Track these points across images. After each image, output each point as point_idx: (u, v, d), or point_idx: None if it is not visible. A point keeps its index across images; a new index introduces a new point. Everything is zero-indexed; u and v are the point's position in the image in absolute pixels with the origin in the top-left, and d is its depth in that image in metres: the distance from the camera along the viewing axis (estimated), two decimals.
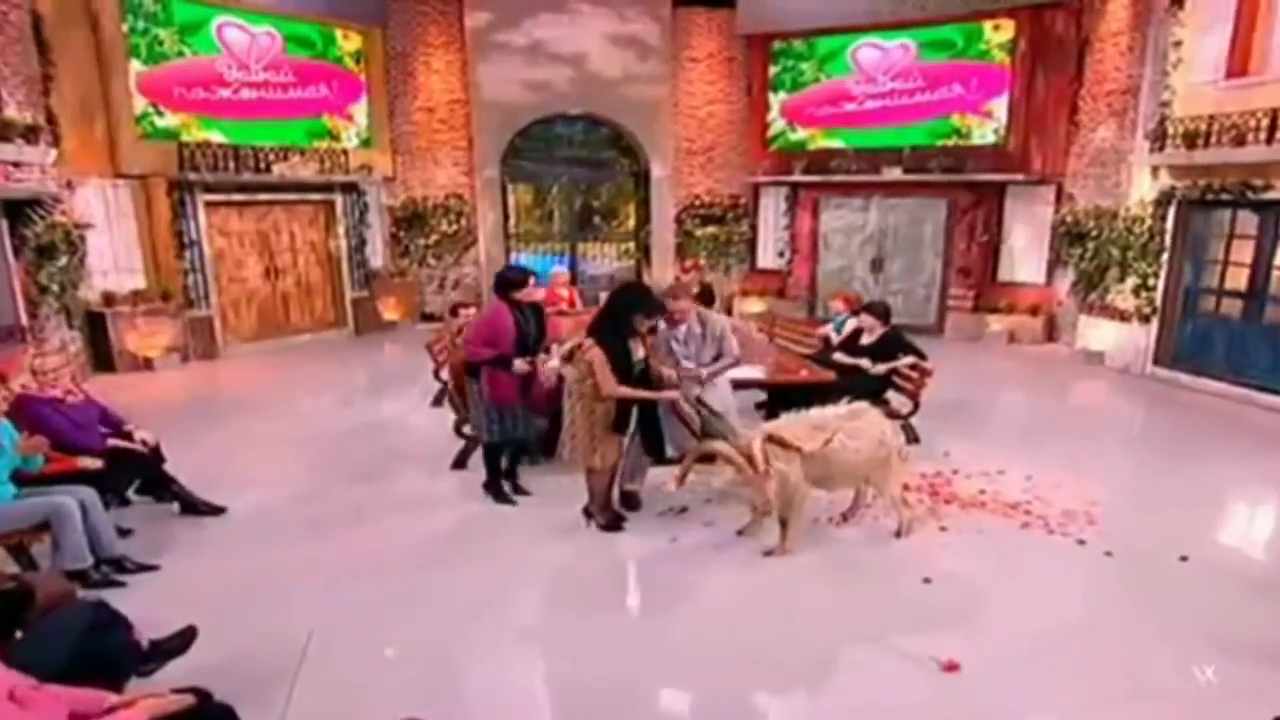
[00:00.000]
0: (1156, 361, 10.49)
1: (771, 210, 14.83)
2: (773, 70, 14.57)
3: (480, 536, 5.87)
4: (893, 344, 7.78)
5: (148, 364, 10.60)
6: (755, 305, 14.30)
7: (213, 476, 6.76)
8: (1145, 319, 10.54)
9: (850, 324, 8.38)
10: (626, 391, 5.44)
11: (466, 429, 7.06)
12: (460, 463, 7.14)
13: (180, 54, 11.41)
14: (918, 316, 13.51)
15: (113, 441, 5.94)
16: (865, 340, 7.90)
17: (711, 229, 14.83)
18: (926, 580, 5.14)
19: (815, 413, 5.60)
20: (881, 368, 7.70)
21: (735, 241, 14.97)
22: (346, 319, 13.35)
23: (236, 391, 10.17)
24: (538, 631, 4.71)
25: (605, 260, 15.83)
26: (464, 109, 14.09)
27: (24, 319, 8.53)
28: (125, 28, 10.84)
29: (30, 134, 8.19)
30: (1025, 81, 12.63)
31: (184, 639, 4.29)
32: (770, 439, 5.26)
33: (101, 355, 10.48)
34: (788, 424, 5.46)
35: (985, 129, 13.05)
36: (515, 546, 5.70)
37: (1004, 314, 12.81)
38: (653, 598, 5.15)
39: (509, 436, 6.32)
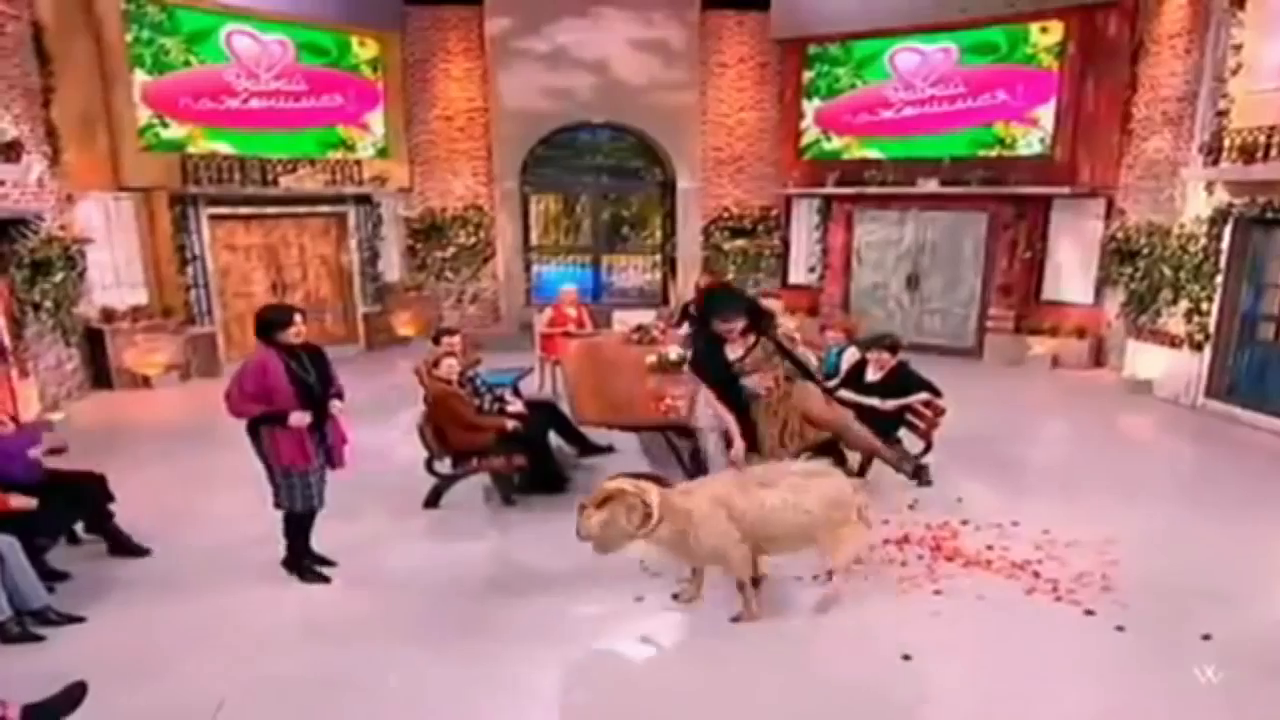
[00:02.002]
0: (1209, 393, 9.62)
1: (804, 223, 14.17)
2: (807, 76, 13.93)
3: (447, 593, 5.37)
4: (904, 379, 7.13)
5: (146, 382, 10.34)
6: (785, 322, 13.63)
7: (175, 509, 6.45)
8: (1197, 346, 9.69)
9: (849, 355, 7.74)
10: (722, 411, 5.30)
11: (437, 466, 6.69)
12: (432, 501, 6.72)
13: (187, 63, 11.18)
14: (955, 338, 12.77)
15: (50, 463, 5.63)
16: (872, 375, 7.25)
17: (740, 242, 14.23)
18: (906, 657, 4.53)
19: (764, 468, 5.01)
20: (892, 404, 7.07)
21: (765, 255, 14.34)
22: (358, 334, 13.02)
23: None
24: None
25: (634, 272, 15.37)
26: (483, 117, 13.72)
27: (4, 339, 8.30)
28: (129, 37, 10.63)
29: (9, 151, 7.95)
30: (1074, 87, 11.80)
31: (70, 697, 3.94)
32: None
33: (100, 373, 10.28)
34: (725, 477, 4.98)
35: (1030, 138, 12.25)
36: (490, 611, 5.15)
37: (1048, 336, 11.98)
38: (586, 667, 4.64)
39: (306, 507, 5.35)
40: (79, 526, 5.91)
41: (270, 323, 5.24)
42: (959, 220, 12.58)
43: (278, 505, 5.36)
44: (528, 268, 14.46)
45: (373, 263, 13.11)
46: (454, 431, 6.69)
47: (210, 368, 11.15)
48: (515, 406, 7.43)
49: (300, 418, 5.07)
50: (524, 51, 13.35)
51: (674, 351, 7.90)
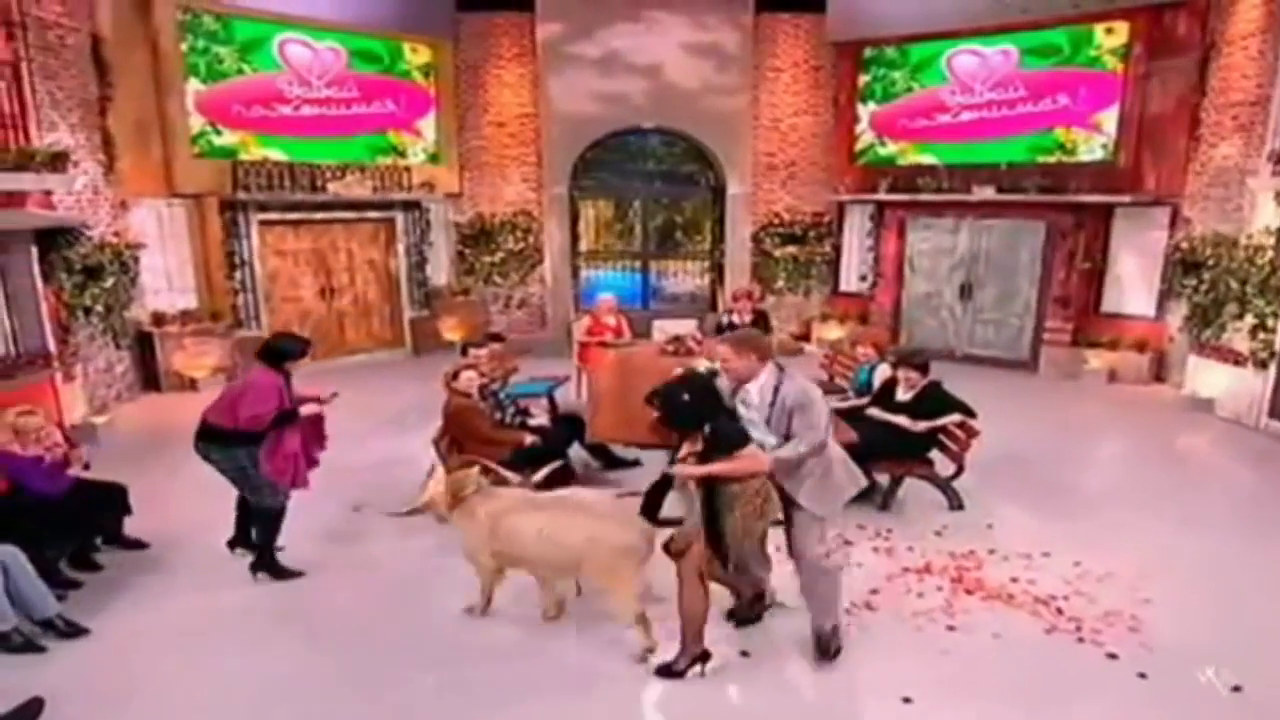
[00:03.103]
0: (1273, 414, 9.10)
1: (857, 230, 13.84)
2: (862, 79, 13.61)
3: (438, 603, 5.30)
4: (935, 399, 6.88)
5: (193, 385, 10.55)
6: (835, 331, 13.40)
7: (202, 514, 6.47)
8: (1262, 364, 9.18)
9: (881, 371, 7.50)
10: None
11: None
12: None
13: (240, 71, 11.39)
14: (1009, 350, 12.35)
15: (74, 472, 5.73)
16: (902, 394, 7.00)
17: (791, 249, 13.94)
18: (906, 700, 4.33)
19: (554, 494, 5.11)
20: (923, 425, 6.83)
21: (817, 262, 14.05)
22: (404, 339, 13.14)
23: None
24: None
25: (686, 278, 15.21)
26: (534, 123, 13.70)
27: (52, 344, 8.54)
28: (184, 47, 10.87)
29: (56, 162, 8.17)
30: (1139, 91, 11.32)
31: (26, 712, 4.00)
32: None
33: (149, 375, 10.53)
34: (518, 493, 5.13)
35: (1093, 144, 11.77)
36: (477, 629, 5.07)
37: (1106, 350, 11.47)
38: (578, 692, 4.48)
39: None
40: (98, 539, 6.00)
41: (285, 353, 5.60)
42: (1015, 228, 12.15)
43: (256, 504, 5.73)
44: (576, 273, 14.40)
45: (420, 267, 13.21)
46: (471, 445, 6.64)
47: None
48: (538, 420, 7.37)
49: (311, 408, 5.74)
50: (575, 56, 13.30)
51: (703, 364, 7.75)
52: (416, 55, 13.14)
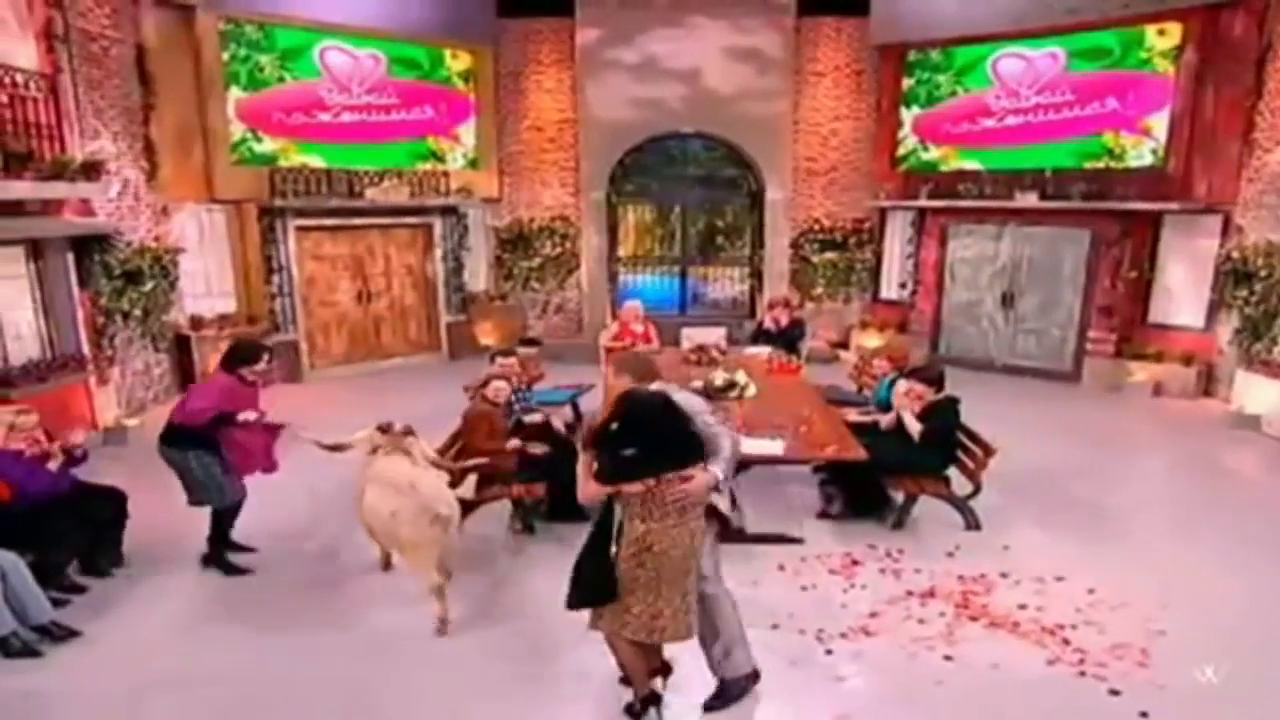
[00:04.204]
0: None
1: (898, 236, 13.60)
2: (906, 83, 13.36)
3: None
4: (937, 418, 6.72)
5: None
6: (874, 339, 13.16)
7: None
8: None
9: (900, 386, 7.34)
10: None
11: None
12: None
13: (280, 79, 11.59)
14: (1051, 361, 12.01)
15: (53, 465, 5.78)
16: (900, 405, 6.90)
17: (831, 255, 13.75)
18: None
19: (395, 467, 5.41)
20: (885, 420, 7.08)
21: (857, 269, 13.84)
22: (440, 343, 13.25)
23: (296, 421, 10.04)
24: None
25: (728, 284, 15.06)
26: (572, 129, 13.71)
27: (85, 348, 8.78)
28: (226, 55, 11.09)
29: (91, 171, 8.39)
30: (1191, 94, 10.91)
31: None
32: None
33: (186, 377, 10.77)
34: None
35: (1142, 149, 11.38)
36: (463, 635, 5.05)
37: (1151, 362, 11.07)
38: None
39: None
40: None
41: (239, 357, 5.89)
42: (1059, 236, 11.80)
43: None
44: (614, 278, 14.37)
45: (457, 272, 13.31)
46: (476, 451, 6.63)
47: (292, 374, 11.56)
48: (533, 418, 7.35)
49: (250, 414, 5.79)
50: (614, 62, 13.27)
51: (719, 376, 7.67)
52: (457, 61, 13.24)
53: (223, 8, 10.98)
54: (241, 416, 5.72)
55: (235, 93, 11.26)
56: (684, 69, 13.35)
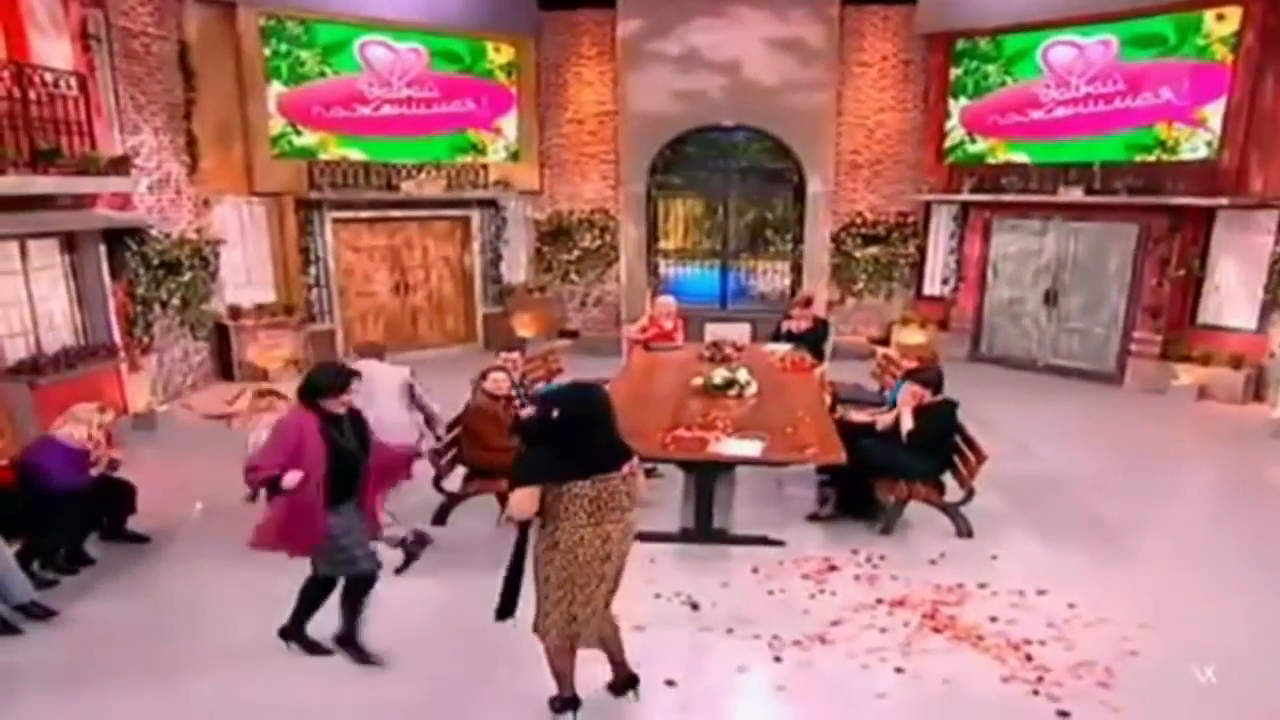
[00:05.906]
0: None
1: (943, 231, 13.24)
2: (954, 73, 12.98)
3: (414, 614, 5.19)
4: (932, 418, 6.56)
5: (265, 375, 11.05)
6: (915, 336, 12.85)
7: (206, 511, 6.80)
8: None
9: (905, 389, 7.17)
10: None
11: (444, 485, 6.73)
12: (440, 519, 6.72)
13: (321, 74, 11.83)
14: (1094, 361, 11.60)
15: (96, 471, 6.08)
16: (900, 407, 6.76)
17: (873, 249, 13.46)
18: None
19: None
20: (860, 415, 7.15)
21: (900, 264, 13.53)
22: (476, 334, 13.41)
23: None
24: None
25: (774, 277, 14.84)
26: (613, 121, 13.68)
27: (117, 336, 9.13)
28: (267, 51, 11.36)
29: (120, 165, 8.70)
30: (1249, 82, 10.36)
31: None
32: None
33: (224, 365, 11.12)
34: None
35: (1196, 141, 10.86)
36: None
37: (1198, 364, 10.57)
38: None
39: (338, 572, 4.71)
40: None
41: (320, 388, 4.47)
42: (1106, 232, 11.36)
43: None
44: (654, 271, 14.32)
45: (495, 264, 13.43)
46: (475, 451, 6.71)
47: None
48: (527, 413, 7.35)
49: (294, 477, 4.25)
50: (655, 54, 13.19)
51: (719, 375, 7.60)
52: (499, 54, 13.33)
53: (264, 4, 11.25)
54: (287, 481, 4.27)
55: (276, 87, 11.54)
56: (725, 60, 13.18)
